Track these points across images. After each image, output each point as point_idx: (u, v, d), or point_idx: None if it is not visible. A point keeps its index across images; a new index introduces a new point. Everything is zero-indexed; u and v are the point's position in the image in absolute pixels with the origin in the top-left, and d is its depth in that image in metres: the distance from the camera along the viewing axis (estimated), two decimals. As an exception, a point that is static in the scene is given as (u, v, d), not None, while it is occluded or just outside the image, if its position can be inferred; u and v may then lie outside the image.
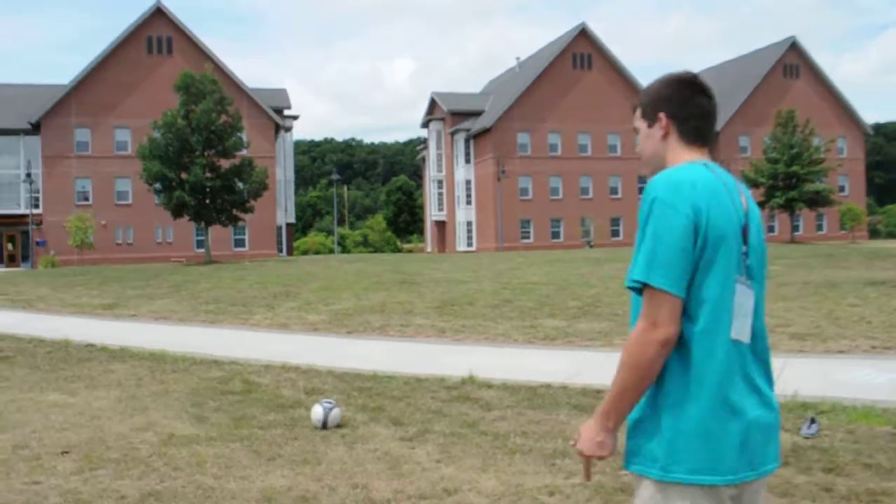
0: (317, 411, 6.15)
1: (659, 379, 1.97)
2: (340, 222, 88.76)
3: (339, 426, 6.10)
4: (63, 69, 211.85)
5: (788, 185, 51.88)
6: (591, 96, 64.28)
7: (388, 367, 8.64)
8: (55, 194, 53.87)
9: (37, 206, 53.03)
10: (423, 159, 78.87)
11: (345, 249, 66.74)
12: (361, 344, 11.01)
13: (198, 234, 52.27)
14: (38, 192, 53.56)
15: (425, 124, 74.45)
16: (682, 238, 1.93)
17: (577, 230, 64.08)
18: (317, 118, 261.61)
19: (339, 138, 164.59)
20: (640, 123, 2.22)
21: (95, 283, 23.82)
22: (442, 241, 67.93)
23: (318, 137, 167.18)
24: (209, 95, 39.63)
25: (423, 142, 79.10)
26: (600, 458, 2.04)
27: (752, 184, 53.48)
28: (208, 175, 39.60)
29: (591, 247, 56.27)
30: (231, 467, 5.12)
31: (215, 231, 45.38)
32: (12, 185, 54.87)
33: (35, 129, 54.39)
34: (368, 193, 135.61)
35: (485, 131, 64.02)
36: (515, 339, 10.92)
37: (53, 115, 54.19)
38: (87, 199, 54.35)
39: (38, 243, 51.72)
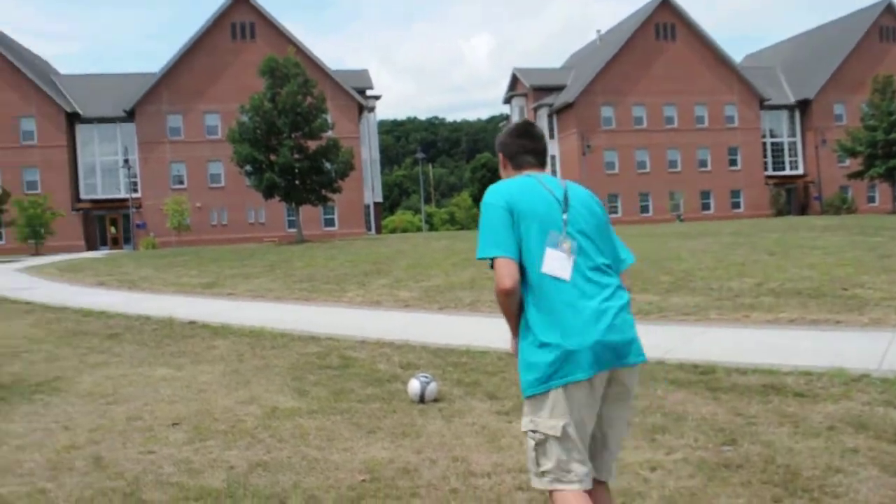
0: (413, 385, 6.24)
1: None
2: (427, 200, 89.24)
3: (435, 400, 6.18)
4: (153, 58, 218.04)
5: (888, 154, 49.65)
6: (675, 67, 62.80)
7: (481, 342, 8.68)
8: (152, 179, 55.86)
9: (135, 191, 55.14)
10: (507, 135, 78.43)
11: (432, 227, 67.16)
12: (453, 320, 11.09)
13: (289, 215, 53.45)
14: (135, 176, 55.65)
15: (507, 100, 74.05)
16: (501, 218, 2.86)
17: (665, 204, 62.92)
18: (399, 98, 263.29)
19: (422, 117, 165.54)
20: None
21: (194, 264, 24.65)
22: (528, 217, 67.50)
23: (400, 117, 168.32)
24: (293, 78, 40.27)
25: (506, 118, 78.78)
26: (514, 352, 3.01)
27: (850, 153, 51.42)
28: (296, 156, 40.33)
29: (682, 220, 55.22)
30: (333, 439, 5.26)
31: (305, 211, 46.30)
32: (112, 170, 57.12)
33: (130, 116, 56.43)
34: (453, 171, 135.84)
35: (568, 106, 63.27)
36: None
37: (146, 103, 56.08)
38: (181, 182, 56.17)
39: (138, 226, 53.78)
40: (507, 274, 2.79)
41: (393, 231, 73.65)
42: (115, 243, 57.01)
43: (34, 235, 47.13)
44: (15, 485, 4.51)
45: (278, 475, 4.54)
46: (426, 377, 6.31)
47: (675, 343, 8.26)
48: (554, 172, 65.86)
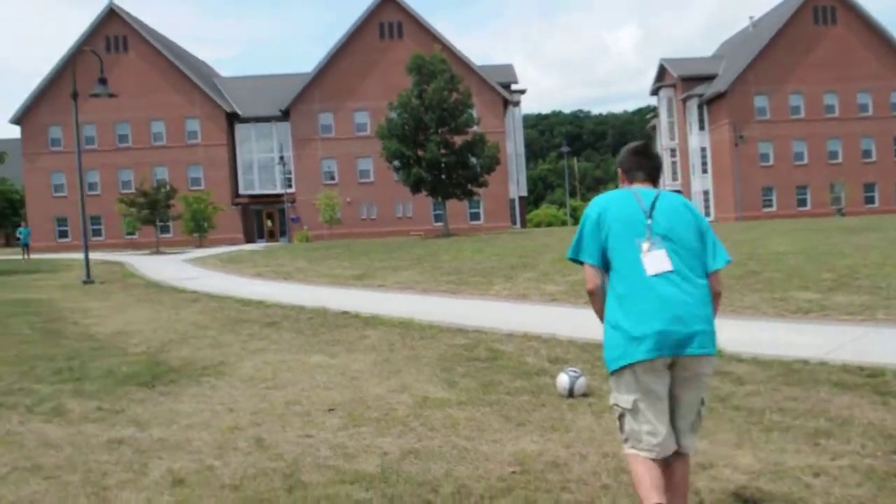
0: (562, 380, 6.20)
1: None
2: (572, 194, 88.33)
3: (585, 395, 6.12)
4: (306, 59, 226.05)
5: None
6: (836, 53, 59.32)
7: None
8: (305, 174, 58.09)
9: (290, 186, 57.49)
10: (654, 128, 76.50)
11: (577, 221, 66.43)
12: (600, 314, 10.93)
13: (435, 209, 54.26)
14: (290, 173, 58.01)
15: (655, 92, 72.15)
16: (591, 229, 3.47)
17: (825, 197, 59.57)
18: (544, 92, 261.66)
19: (567, 111, 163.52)
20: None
21: (345, 256, 25.46)
22: (677, 211, 65.51)
23: (545, 111, 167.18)
24: (439, 75, 40.80)
25: (653, 110, 76.84)
26: None
27: None
28: (443, 151, 40.88)
29: (843, 215, 52.17)
30: (483, 430, 5.30)
31: (452, 205, 46.88)
32: (268, 167, 59.78)
33: (285, 115, 58.87)
34: (598, 164, 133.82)
35: (719, 96, 60.97)
36: (764, 311, 10.36)
37: (300, 102, 58.31)
38: (333, 178, 58.11)
39: (292, 220, 56.05)
40: (589, 278, 3.48)
41: (537, 225, 73.36)
42: (272, 236, 59.67)
43: (198, 229, 49.98)
44: (185, 461, 4.80)
45: (430, 463, 4.62)
46: (575, 371, 6.25)
47: (839, 343, 7.83)
48: (704, 165, 63.78)
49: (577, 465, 4.54)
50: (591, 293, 3.49)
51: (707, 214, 62.52)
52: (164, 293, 17.27)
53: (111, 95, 22.15)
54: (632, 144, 3.78)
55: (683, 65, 67.77)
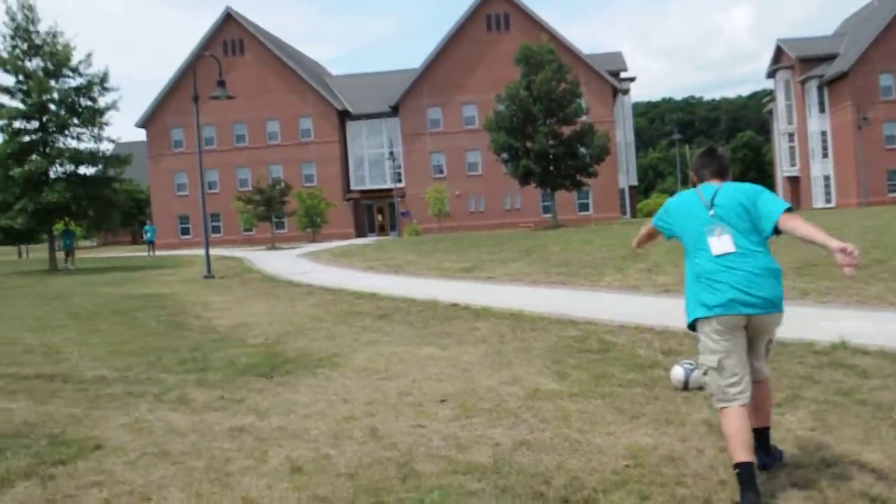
0: (677, 372, 6.06)
1: None
2: (683, 182, 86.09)
3: (700, 388, 5.94)
4: (414, 54, 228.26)
5: None
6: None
7: (748, 329, 8.25)
8: (414, 169, 58.75)
9: (399, 181, 58.29)
10: (771, 112, 73.67)
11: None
12: (716, 306, 10.62)
13: (543, 200, 53.93)
14: (399, 167, 58.81)
15: (771, 74, 69.37)
16: (661, 213, 4.41)
17: (961, 181, 56.06)
18: (654, 78, 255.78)
19: (678, 97, 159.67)
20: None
21: (454, 249, 25.63)
22: (796, 198, 63.13)
23: (655, 98, 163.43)
24: (547, 65, 40.49)
25: (770, 93, 73.94)
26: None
27: None
28: (551, 142, 40.58)
29: (981, 198, 49.04)
30: (596, 423, 5.23)
31: (560, 196, 46.51)
32: (378, 162, 60.80)
33: (394, 111, 59.66)
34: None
35: (840, 76, 58.12)
36: (891, 302, 9.85)
37: (409, 98, 58.98)
38: (441, 171, 58.56)
39: (402, 214, 56.79)
40: (648, 225, 4.64)
41: (648, 215, 71.86)
42: (382, 230, 60.66)
43: (311, 224, 51.29)
44: (303, 449, 4.94)
45: (542, 455, 4.60)
46: (691, 364, 6.09)
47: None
48: (824, 149, 61.10)
49: (692, 459, 4.42)
50: (649, 229, 4.63)
51: (828, 201, 59.86)
52: (281, 287, 17.82)
53: (229, 97, 22.98)
54: (702, 150, 4.50)
55: (802, 45, 64.88)
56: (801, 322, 8.90)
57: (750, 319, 3.97)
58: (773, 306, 3.98)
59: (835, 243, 3.69)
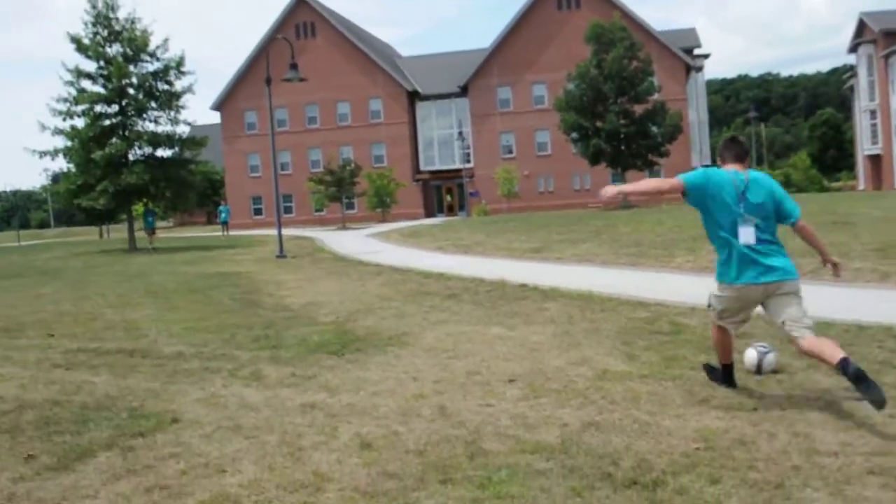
0: (750, 355, 5.94)
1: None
2: (759, 161, 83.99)
3: (774, 371, 5.84)
4: (483, 34, 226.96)
5: None
6: None
7: (826, 312, 8.03)
8: (483, 149, 58.63)
9: (468, 161, 58.26)
10: (852, 88, 71.01)
11: (764, 191, 62.95)
12: (792, 288, 10.35)
13: (613, 180, 53.21)
14: (468, 148, 58.76)
15: (853, 49, 66.74)
16: (696, 175, 5.15)
17: None
18: (729, 55, 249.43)
19: (754, 73, 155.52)
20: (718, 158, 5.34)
21: (523, 229, 25.53)
22: (877, 177, 60.87)
23: (730, 75, 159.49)
24: (619, 43, 39.88)
25: (851, 69, 71.28)
26: None
27: None
28: (622, 122, 40.02)
29: None
30: (665, 405, 5.18)
31: (630, 176, 45.81)
32: (447, 143, 60.85)
33: (464, 91, 59.53)
34: (789, 130, 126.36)
35: (929, 50, 55.52)
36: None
37: (478, 78, 58.80)
38: (510, 152, 58.34)
39: (471, 194, 56.80)
40: (675, 181, 5.17)
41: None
42: (451, 210, 60.77)
43: (381, 204, 51.71)
44: (372, 426, 5.01)
45: (610, 436, 4.57)
46: (764, 347, 5.97)
47: None
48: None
49: (765, 443, 4.34)
50: (669, 184, 5.25)
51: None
52: (351, 266, 18.04)
53: (301, 79, 23.25)
54: (725, 139, 5.35)
55: (886, 18, 62.17)
56: (879, 305, 8.64)
57: (769, 288, 5.02)
58: (787, 273, 5.01)
59: (833, 258, 5.35)
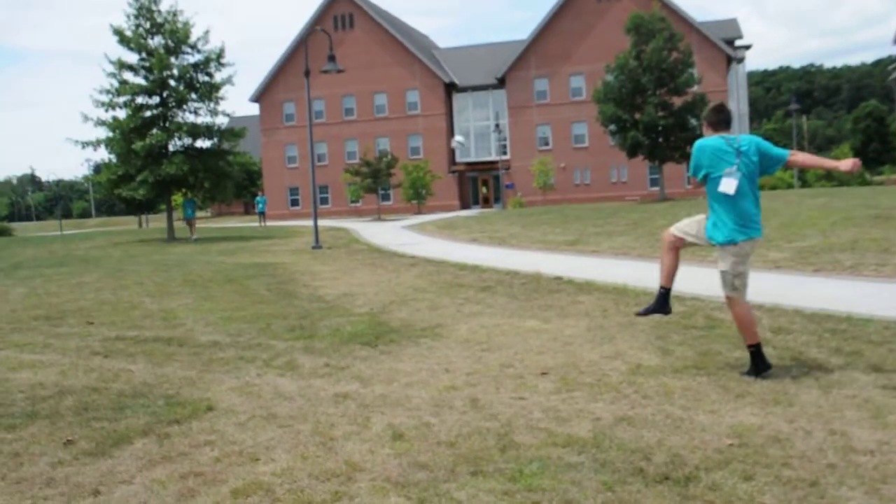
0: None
1: None
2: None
3: (809, 368, 5.75)
4: (520, 26, 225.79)
5: None
6: None
7: (864, 308, 7.91)
8: (520, 141, 58.43)
9: (504, 153, 58.12)
10: (899, 80, 69.56)
11: (805, 184, 62.11)
12: (830, 283, 10.20)
13: (651, 173, 52.83)
14: (505, 140, 58.62)
15: (902, 39, 65.33)
16: (698, 157, 5.77)
17: None
18: (770, 46, 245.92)
19: (796, 65, 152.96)
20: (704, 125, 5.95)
21: (558, 222, 25.43)
22: (923, 171, 59.52)
23: (772, 66, 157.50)
24: (658, 34, 39.41)
25: (899, 60, 69.77)
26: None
27: None
28: (661, 114, 39.59)
29: None
30: (699, 400, 5.13)
31: (668, 169, 45.39)
32: (483, 135, 60.74)
33: (500, 83, 59.36)
34: (831, 122, 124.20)
35: (982, 40, 54.14)
36: None
37: (515, 70, 58.55)
38: (547, 144, 58.07)
39: (507, 186, 56.67)
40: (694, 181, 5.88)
41: (761, 188, 69.18)
42: (486, 202, 60.70)
43: (417, 196, 51.80)
44: (404, 417, 5.04)
45: (643, 431, 4.55)
46: None
47: None
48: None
49: (800, 440, 4.29)
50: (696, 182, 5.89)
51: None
52: (386, 258, 18.11)
53: (339, 71, 23.36)
54: (712, 106, 5.90)
55: (935, 9, 60.84)
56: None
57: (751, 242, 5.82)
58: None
59: (843, 165, 5.56)
